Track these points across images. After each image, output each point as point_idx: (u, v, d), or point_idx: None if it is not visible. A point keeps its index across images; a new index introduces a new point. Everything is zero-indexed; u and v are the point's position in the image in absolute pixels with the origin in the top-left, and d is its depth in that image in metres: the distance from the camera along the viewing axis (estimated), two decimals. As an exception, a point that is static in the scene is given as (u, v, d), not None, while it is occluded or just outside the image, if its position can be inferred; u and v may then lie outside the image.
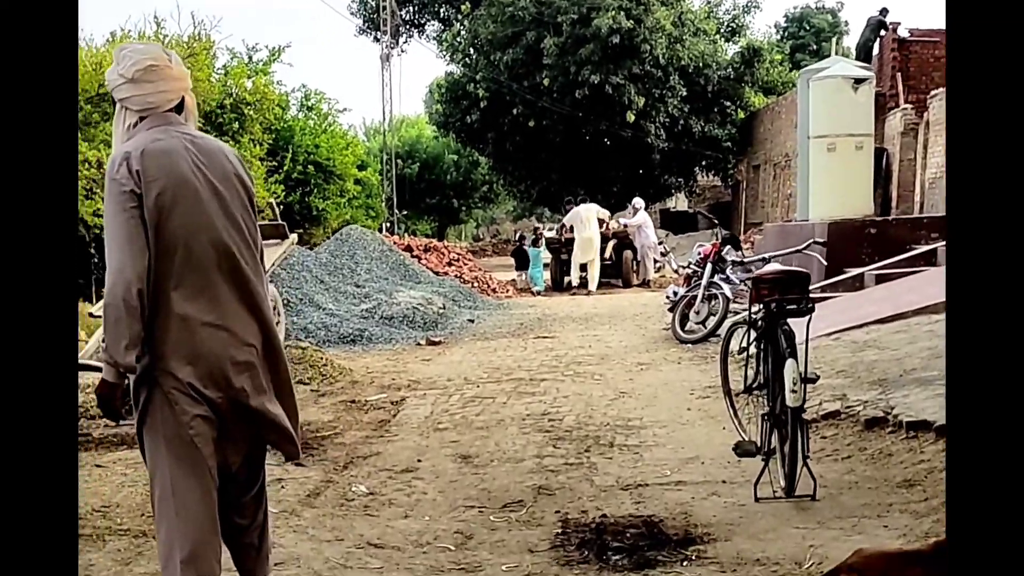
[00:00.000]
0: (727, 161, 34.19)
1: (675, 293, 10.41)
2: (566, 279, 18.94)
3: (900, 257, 10.12)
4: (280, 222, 11.05)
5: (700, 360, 8.65)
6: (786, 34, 44.02)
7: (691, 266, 10.34)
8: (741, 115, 33.14)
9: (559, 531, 4.25)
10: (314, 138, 23.36)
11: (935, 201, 15.50)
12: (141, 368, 2.79)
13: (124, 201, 2.75)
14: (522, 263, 20.10)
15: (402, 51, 41.16)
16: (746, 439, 5.43)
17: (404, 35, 37.98)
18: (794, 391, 4.45)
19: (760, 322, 4.90)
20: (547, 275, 19.44)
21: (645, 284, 19.17)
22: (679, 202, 45.14)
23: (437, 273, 19.35)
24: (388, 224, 35.95)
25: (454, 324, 12.20)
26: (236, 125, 19.39)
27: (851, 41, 62.82)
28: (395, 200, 35.06)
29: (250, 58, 23.84)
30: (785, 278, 4.80)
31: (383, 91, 30.97)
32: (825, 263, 7.13)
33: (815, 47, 43.90)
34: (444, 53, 34.41)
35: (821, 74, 13.27)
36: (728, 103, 32.96)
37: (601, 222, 18.33)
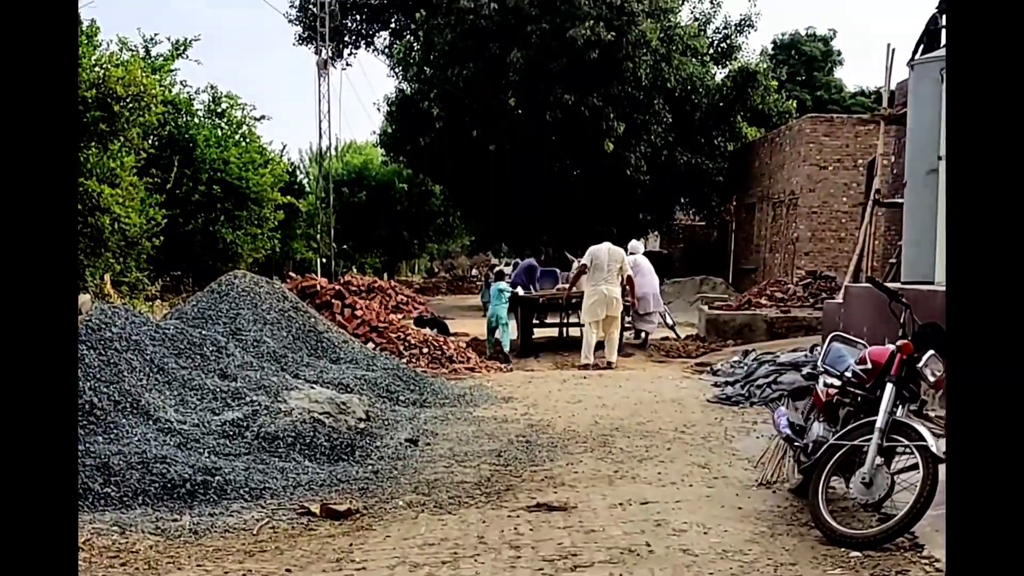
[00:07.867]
0: (711, 199, 29.91)
1: (793, 427, 5.53)
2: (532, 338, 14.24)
3: None
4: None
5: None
6: (775, 62, 40.10)
7: (844, 380, 5.34)
8: (731, 147, 28.86)
9: None
10: (222, 151, 18.39)
11: None
12: None
13: None
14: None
15: (347, 64, 36.39)
16: None
17: (350, 46, 33.21)
18: None
19: None
20: (513, 330, 14.70)
21: (643, 347, 14.84)
22: (649, 242, 40.91)
23: (378, 330, 14.39)
24: (324, 260, 31.05)
25: (383, 451, 7.14)
26: (104, 126, 14.42)
27: (843, 72, 59.44)
28: (332, 230, 30.08)
29: (147, 51, 18.96)
30: None
31: (318, 102, 26.03)
32: None
33: (803, 76, 40.13)
34: (395, 68, 29.62)
35: (957, 62, 8.68)
36: (717, 133, 28.68)
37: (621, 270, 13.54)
